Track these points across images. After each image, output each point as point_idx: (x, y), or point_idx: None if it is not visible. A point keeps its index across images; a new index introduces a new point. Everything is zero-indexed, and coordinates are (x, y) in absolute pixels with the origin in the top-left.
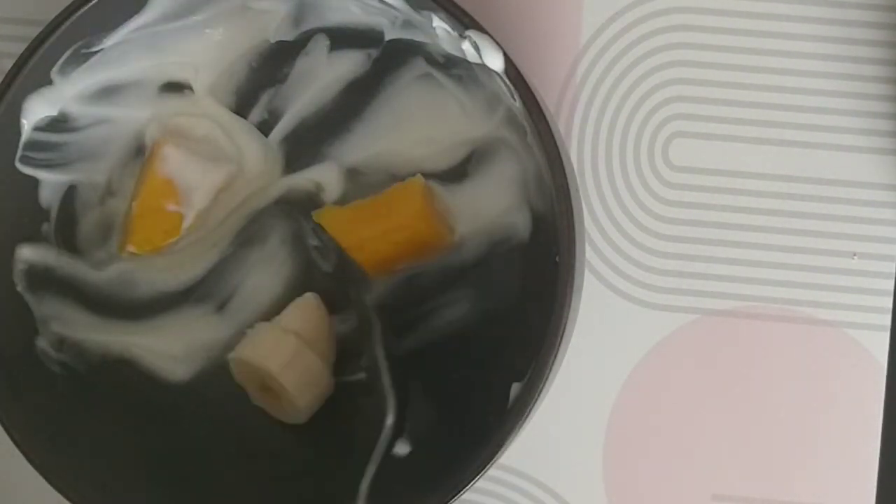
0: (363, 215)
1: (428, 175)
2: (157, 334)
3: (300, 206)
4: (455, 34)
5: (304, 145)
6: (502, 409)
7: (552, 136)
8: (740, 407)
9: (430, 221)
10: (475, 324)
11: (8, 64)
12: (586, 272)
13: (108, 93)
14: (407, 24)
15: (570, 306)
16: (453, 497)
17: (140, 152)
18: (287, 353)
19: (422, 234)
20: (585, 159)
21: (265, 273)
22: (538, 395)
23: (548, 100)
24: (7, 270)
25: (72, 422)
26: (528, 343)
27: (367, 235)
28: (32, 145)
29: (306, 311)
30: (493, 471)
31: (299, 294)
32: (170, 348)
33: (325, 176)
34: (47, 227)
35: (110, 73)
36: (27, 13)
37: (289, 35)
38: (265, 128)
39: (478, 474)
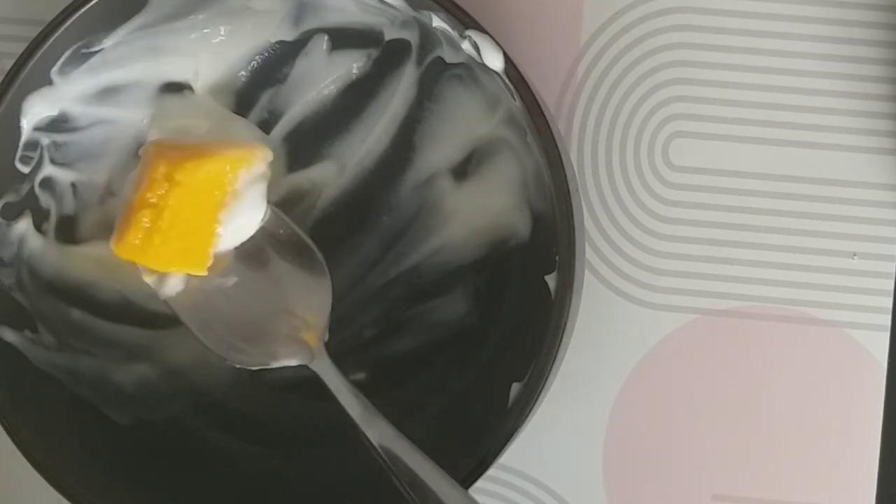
0: (131, 222)
1: None
2: (157, 333)
3: (300, 206)
4: (455, 34)
5: (304, 145)
6: (502, 409)
7: (552, 136)
8: (740, 407)
9: (172, 169)
10: (475, 324)
11: (8, 64)
12: (586, 272)
13: (108, 93)
14: (407, 24)
15: (570, 306)
16: None
17: None
18: None
19: (179, 190)
20: (585, 159)
21: None
22: (538, 396)
23: (548, 100)
24: None
25: (71, 422)
26: (527, 343)
27: (154, 240)
28: (32, 145)
29: None
30: (493, 471)
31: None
32: (169, 346)
33: (324, 175)
34: (47, 227)
35: (110, 74)
36: (27, 13)
37: (289, 35)
38: (265, 128)
39: (478, 474)
